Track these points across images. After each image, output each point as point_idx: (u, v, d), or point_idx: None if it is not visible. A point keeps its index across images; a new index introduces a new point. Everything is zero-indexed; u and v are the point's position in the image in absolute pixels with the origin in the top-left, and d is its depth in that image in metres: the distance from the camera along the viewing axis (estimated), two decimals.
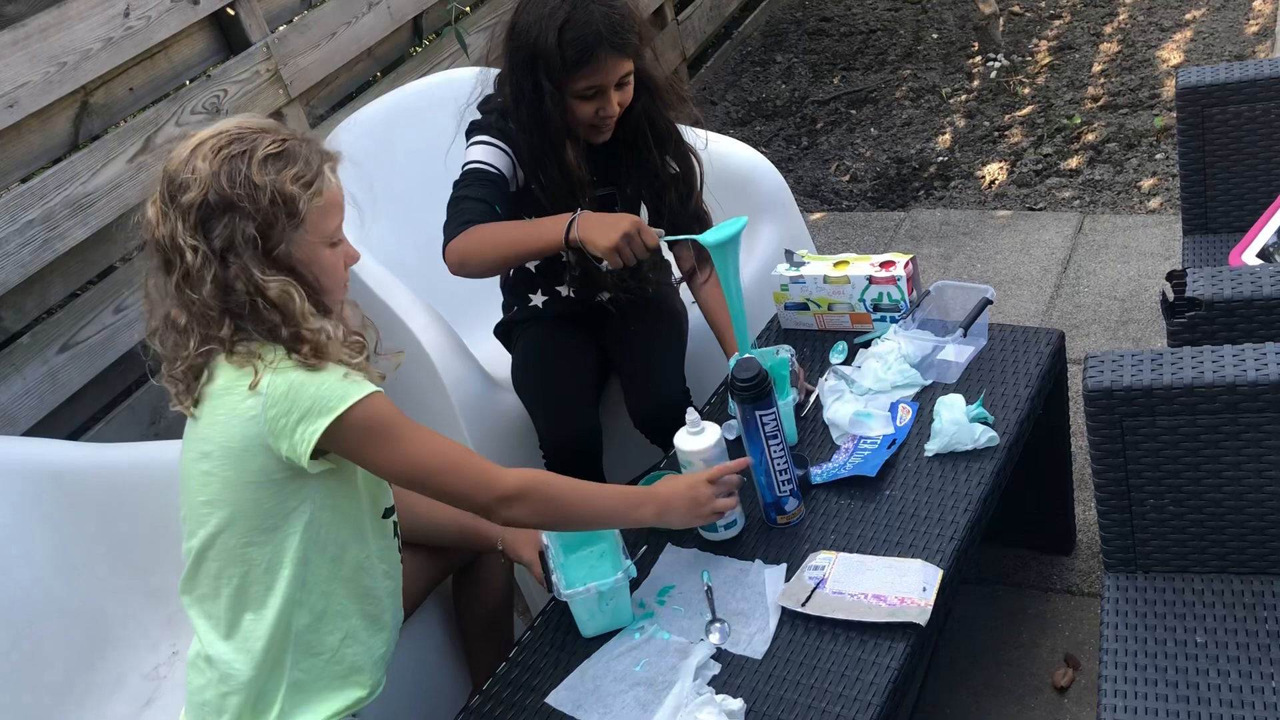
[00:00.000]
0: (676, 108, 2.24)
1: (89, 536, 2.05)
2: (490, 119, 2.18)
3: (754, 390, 1.81)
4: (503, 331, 2.48)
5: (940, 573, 1.73)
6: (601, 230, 1.97)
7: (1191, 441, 1.51)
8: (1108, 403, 1.53)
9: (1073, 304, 3.09)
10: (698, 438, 1.85)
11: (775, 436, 1.84)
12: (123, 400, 2.68)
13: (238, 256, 1.53)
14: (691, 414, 1.86)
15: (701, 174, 2.30)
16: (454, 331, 2.43)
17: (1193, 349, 1.53)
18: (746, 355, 1.86)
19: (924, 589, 1.70)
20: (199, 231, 1.53)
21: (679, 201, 2.29)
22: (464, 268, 2.08)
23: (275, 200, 1.53)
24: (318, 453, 1.53)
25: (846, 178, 4.14)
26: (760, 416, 1.82)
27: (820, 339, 2.33)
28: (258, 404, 1.51)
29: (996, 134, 4.06)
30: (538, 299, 2.37)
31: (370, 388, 1.55)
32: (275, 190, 1.53)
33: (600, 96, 2.10)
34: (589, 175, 2.16)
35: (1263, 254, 2.13)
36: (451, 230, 2.08)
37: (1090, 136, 3.87)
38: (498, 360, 2.46)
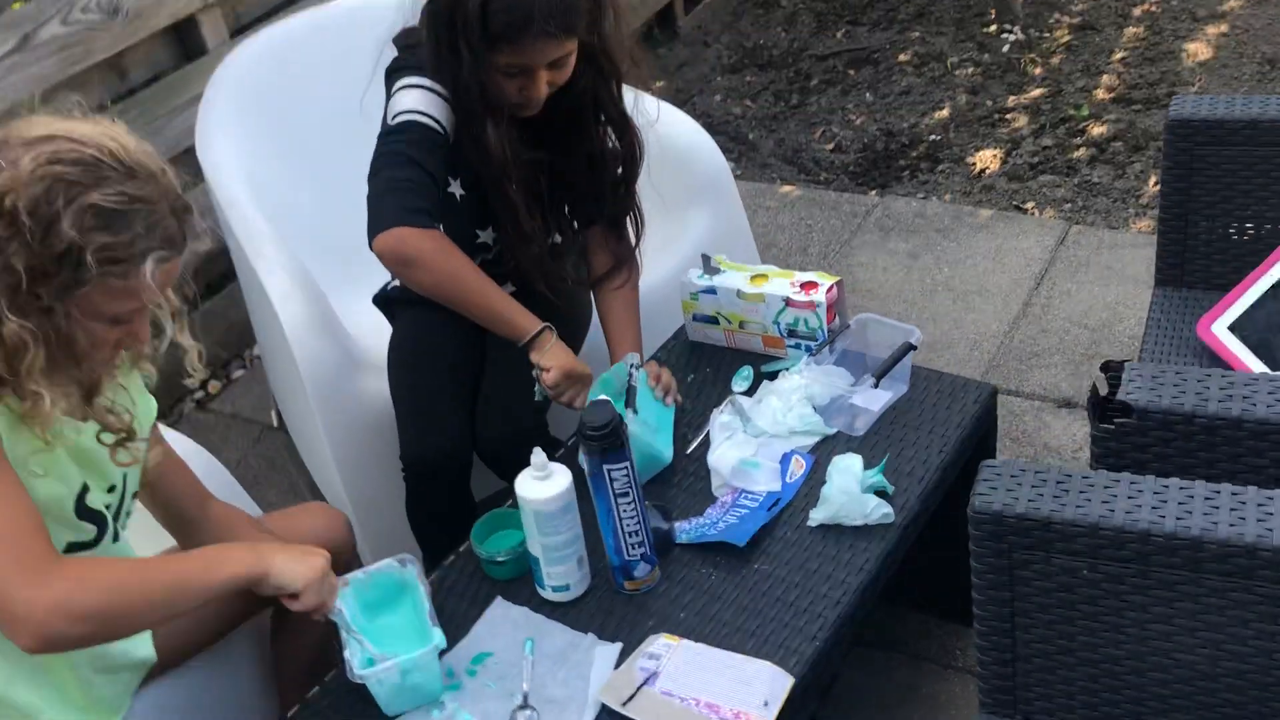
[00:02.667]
0: (630, 78, 1.93)
1: None
2: (421, 55, 1.86)
3: (605, 440, 1.54)
4: (383, 302, 2.18)
5: (790, 682, 1.48)
6: (566, 354, 1.83)
7: (1091, 589, 1.24)
8: (996, 529, 1.26)
9: (1039, 327, 2.80)
10: (542, 484, 1.59)
11: (626, 494, 1.58)
12: None
13: None
14: (538, 455, 1.59)
15: (642, 159, 2.00)
16: (322, 300, 2.15)
17: (1108, 476, 1.25)
18: (600, 398, 1.59)
19: (765, 703, 1.45)
20: None
21: (611, 187, 1.99)
22: (402, 272, 1.81)
23: (65, 257, 1.26)
24: None
25: (830, 146, 3.81)
26: (609, 471, 1.56)
27: (727, 359, 2.05)
28: None
29: (997, 116, 3.72)
30: None
31: None
32: (72, 246, 1.25)
33: (525, 76, 1.79)
34: (512, 149, 1.84)
35: (1236, 326, 1.84)
36: (404, 214, 1.76)
37: (1097, 131, 3.52)
38: (382, 335, 2.17)
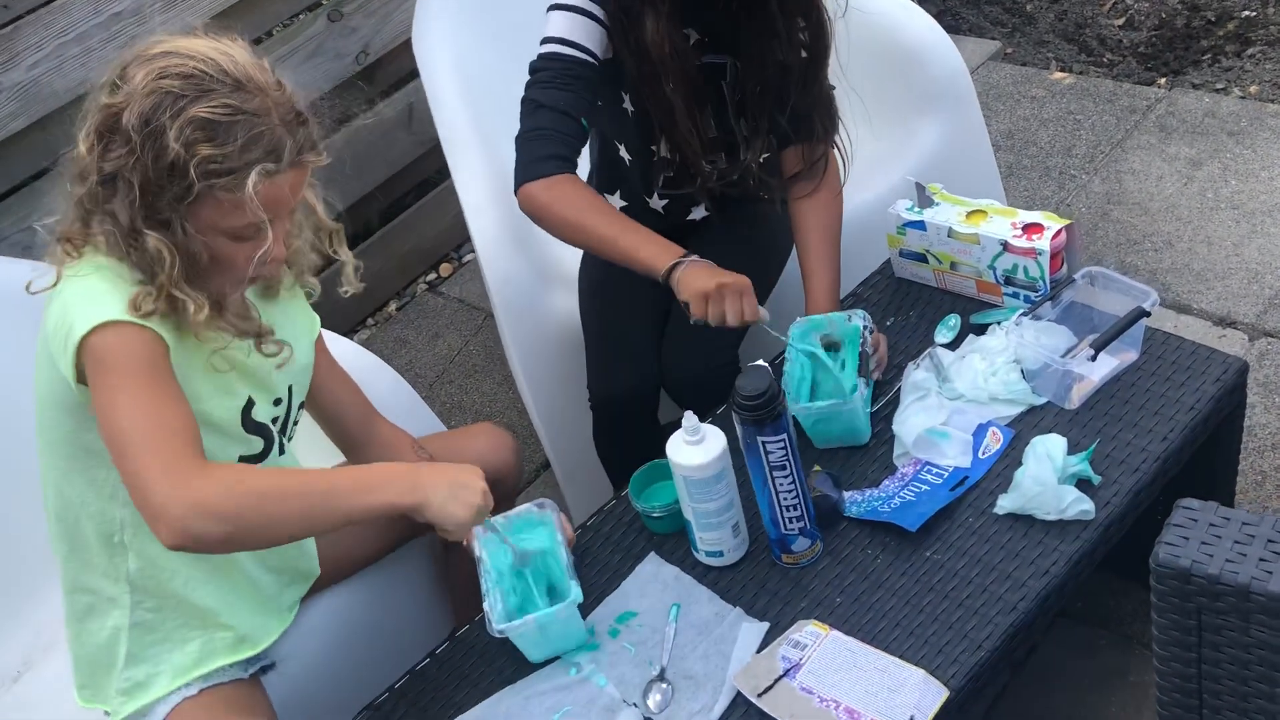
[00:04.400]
0: None
1: None
2: None
3: (759, 410, 1.42)
4: None
5: (943, 696, 1.35)
6: (703, 275, 1.61)
7: None
8: (1182, 588, 1.06)
9: None
10: (693, 449, 1.49)
11: (783, 467, 1.46)
12: None
13: (121, 194, 1.30)
14: (690, 418, 1.49)
15: (830, 48, 1.78)
16: (519, 213, 2.09)
17: None
18: (758, 364, 1.45)
19: (912, 717, 1.33)
20: (98, 136, 1.31)
21: (802, 85, 1.80)
22: (537, 222, 1.74)
23: (173, 169, 1.27)
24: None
25: (1121, 21, 3.36)
26: (764, 443, 1.44)
27: (936, 302, 1.85)
28: (50, 307, 1.33)
29: None
30: (616, 202, 1.97)
31: (121, 316, 1.28)
32: (177, 159, 1.26)
33: None
34: (672, 44, 1.68)
35: None
36: (530, 166, 1.69)
37: None
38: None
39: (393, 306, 3.07)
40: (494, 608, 1.48)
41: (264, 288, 1.52)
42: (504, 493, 1.74)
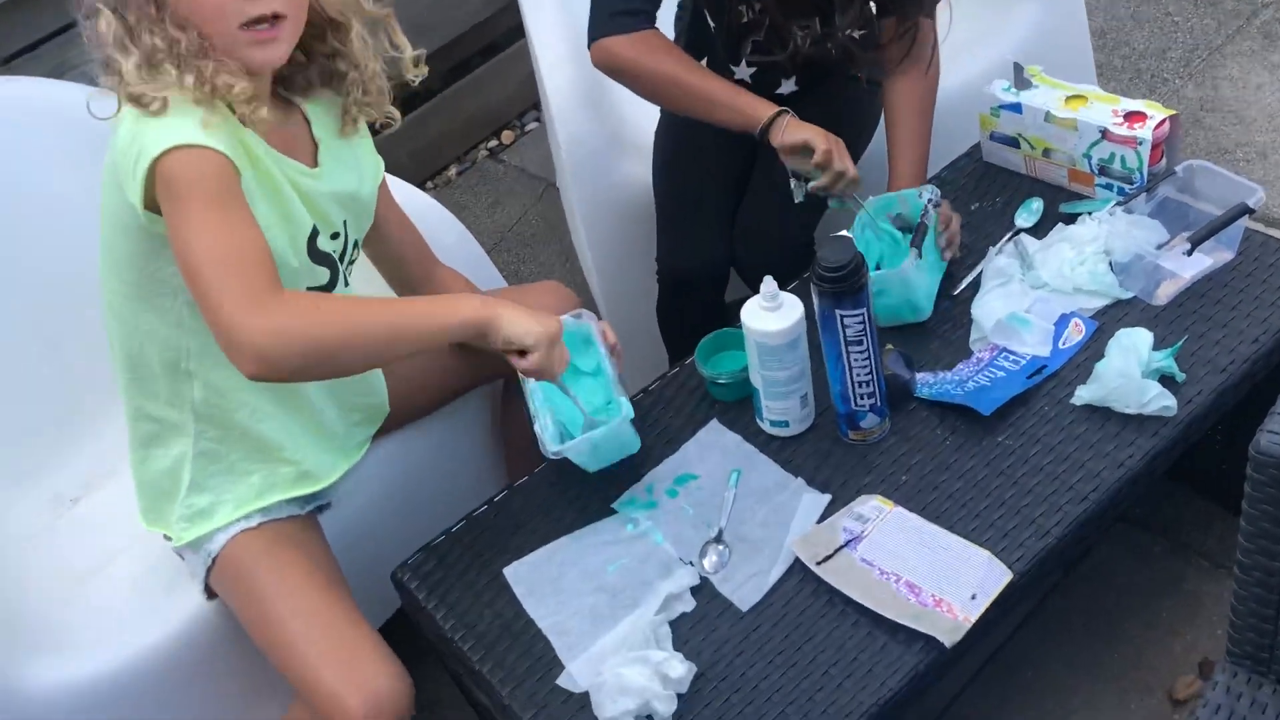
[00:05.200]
0: None
1: None
2: None
3: (841, 283, 1.38)
4: None
5: (1007, 579, 1.33)
6: (810, 126, 1.58)
7: None
8: None
9: None
10: (770, 315, 1.46)
11: (859, 343, 1.42)
12: None
13: None
14: (768, 283, 1.46)
15: None
16: (596, 73, 2.02)
17: None
18: (842, 234, 1.41)
19: (973, 596, 1.31)
20: None
21: None
22: (615, 76, 1.67)
23: None
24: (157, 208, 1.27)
25: None
26: (842, 317, 1.40)
27: (1023, 189, 1.79)
28: (117, 132, 1.28)
29: None
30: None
31: (190, 139, 1.23)
32: None
33: None
34: None
35: None
36: (611, 20, 1.64)
37: None
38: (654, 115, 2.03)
39: (453, 171, 3.03)
40: (545, 429, 1.47)
41: (340, 127, 1.47)
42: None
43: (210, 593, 1.52)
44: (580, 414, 1.49)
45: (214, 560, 1.47)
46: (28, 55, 2.25)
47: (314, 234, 1.42)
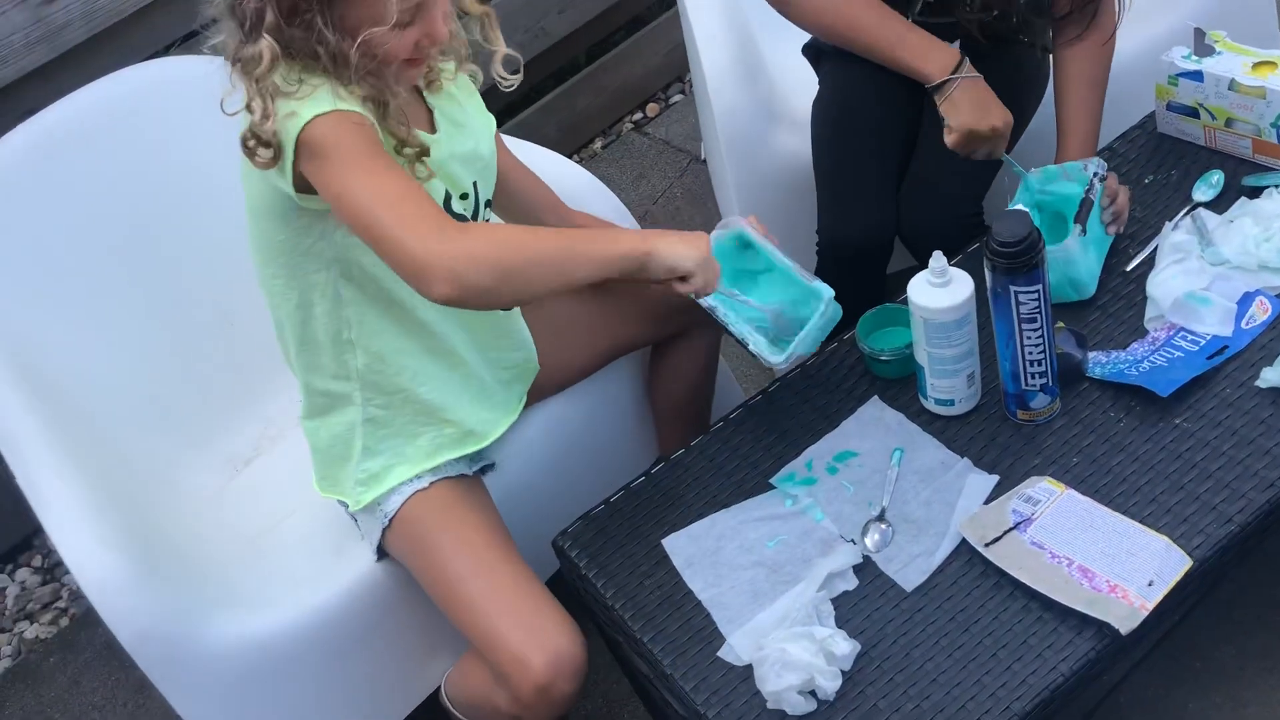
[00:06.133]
0: None
1: None
2: None
3: (1016, 259, 1.35)
4: (813, 55, 2.01)
5: (1186, 565, 1.29)
6: (977, 107, 1.57)
7: None
8: None
9: None
10: (938, 291, 1.43)
11: (1033, 320, 1.38)
12: None
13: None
14: (938, 258, 1.43)
15: None
16: (751, 45, 2.02)
17: None
18: (1018, 208, 1.37)
19: (1150, 583, 1.27)
20: None
21: None
22: (790, 11, 1.65)
23: None
24: (307, 187, 1.31)
25: None
26: (1017, 293, 1.36)
27: (1202, 161, 1.71)
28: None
29: None
30: None
31: (327, 106, 1.26)
32: None
33: None
34: None
35: None
36: None
37: None
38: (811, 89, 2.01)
39: (598, 144, 3.05)
40: (760, 345, 1.50)
41: (428, 81, 1.49)
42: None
43: (381, 553, 1.57)
44: (764, 315, 1.52)
45: (390, 521, 1.52)
46: (193, 39, 2.33)
47: (446, 197, 1.45)
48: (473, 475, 1.58)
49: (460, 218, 1.48)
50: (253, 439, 1.94)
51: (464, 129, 1.51)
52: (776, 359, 1.49)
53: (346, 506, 1.57)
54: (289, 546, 1.75)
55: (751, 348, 1.51)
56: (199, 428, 1.93)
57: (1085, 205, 1.56)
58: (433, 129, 1.47)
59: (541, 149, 1.89)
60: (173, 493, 1.84)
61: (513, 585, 1.44)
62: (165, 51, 2.27)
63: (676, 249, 1.37)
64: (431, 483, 1.52)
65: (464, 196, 1.49)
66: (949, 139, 1.58)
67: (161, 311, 1.92)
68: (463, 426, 1.55)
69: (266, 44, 1.27)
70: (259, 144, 1.29)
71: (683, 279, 1.39)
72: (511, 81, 1.48)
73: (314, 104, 1.27)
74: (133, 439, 1.84)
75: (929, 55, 1.58)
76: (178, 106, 1.95)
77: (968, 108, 1.54)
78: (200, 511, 1.84)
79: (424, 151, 1.37)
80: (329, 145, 1.26)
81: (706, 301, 1.51)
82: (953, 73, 1.59)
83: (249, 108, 1.29)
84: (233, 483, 1.91)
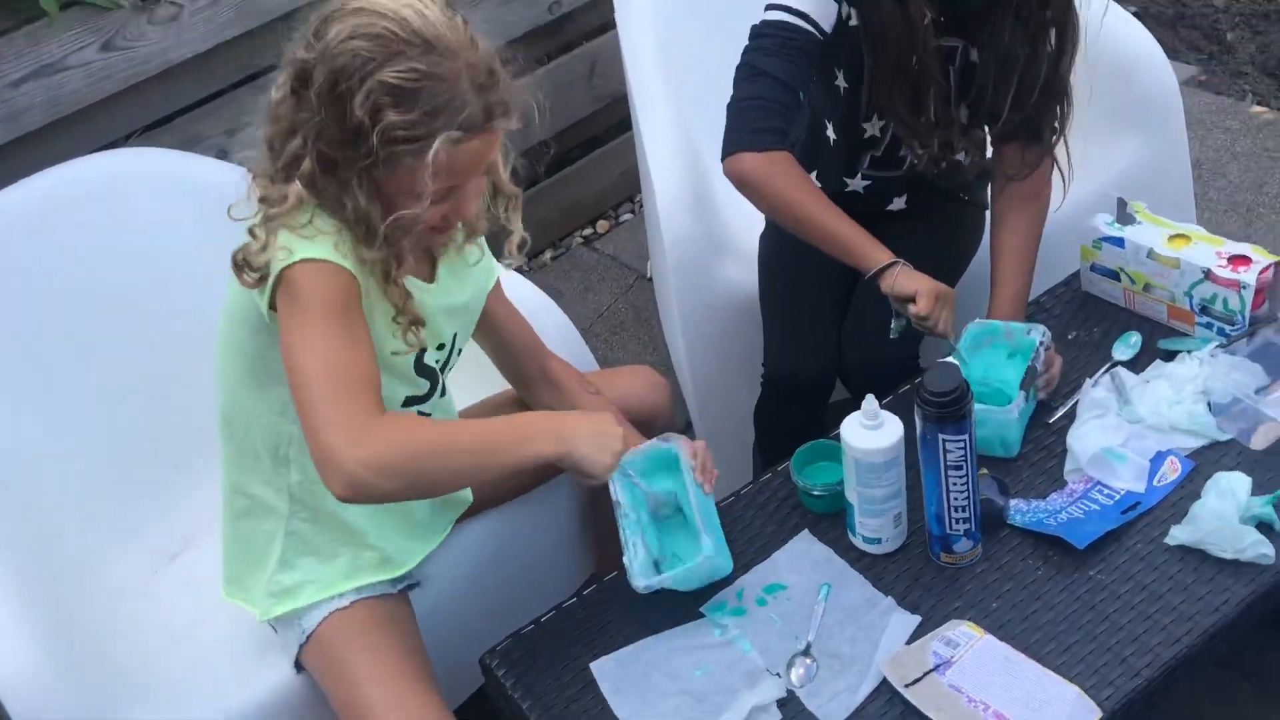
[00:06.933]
0: None
1: None
2: None
3: (946, 409, 1.41)
4: None
5: (1096, 716, 1.33)
6: (920, 277, 1.64)
7: None
8: None
9: None
10: (870, 433, 1.49)
11: (959, 468, 1.44)
12: None
13: (307, 152, 1.30)
14: (870, 402, 1.49)
15: (1074, 54, 1.72)
16: (703, 176, 2.10)
17: None
18: (948, 360, 1.44)
19: None
20: (291, 88, 1.31)
21: (1037, 84, 1.71)
22: (748, 190, 1.73)
23: (358, 134, 1.26)
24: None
25: None
26: (945, 441, 1.43)
27: (1121, 321, 1.81)
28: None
29: None
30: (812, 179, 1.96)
31: (321, 254, 1.29)
32: (361, 125, 1.25)
33: None
34: (922, 17, 1.64)
35: None
36: (748, 136, 1.68)
37: None
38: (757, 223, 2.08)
39: (548, 255, 3.12)
40: (634, 559, 1.50)
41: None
42: (656, 434, 1.77)
43: (299, 666, 1.56)
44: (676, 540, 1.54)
45: (308, 638, 1.51)
46: (163, 126, 2.37)
47: (421, 350, 1.47)
48: (397, 593, 1.58)
49: (430, 370, 1.51)
50: (182, 532, 1.92)
51: (462, 283, 1.53)
52: (638, 583, 1.47)
53: (255, 616, 1.56)
54: (212, 646, 1.73)
55: (625, 558, 1.50)
56: (128, 516, 1.91)
57: (1030, 373, 1.64)
58: (432, 278, 1.49)
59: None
60: (99, 583, 1.82)
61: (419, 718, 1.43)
62: (125, 140, 2.31)
63: (591, 459, 1.40)
64: (353, 601, 1.52)
65: (440, 347, 1.52)
66: (922, 305, 1.63)
67: (101, 397, 1.92)
68: (382, 553, 1.56)
69: (295, 190, 1.29)
70: (249, 267, 1.31)
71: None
72: (519, 261, 1.52)
73: (310, 248, 1.30)
74: (61, 523, 1.83)
75: (869, 251, 1.67)
76: (133, 198, 1.99)
77: (918, 277, 1.64)
78: (125, 603, 1.82)
79: (418, 321, 1.40)
80: (304, 291, 1.29)
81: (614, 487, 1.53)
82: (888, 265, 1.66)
83: (252, 233, 1.32)
84: (159, 575, 1.89)
